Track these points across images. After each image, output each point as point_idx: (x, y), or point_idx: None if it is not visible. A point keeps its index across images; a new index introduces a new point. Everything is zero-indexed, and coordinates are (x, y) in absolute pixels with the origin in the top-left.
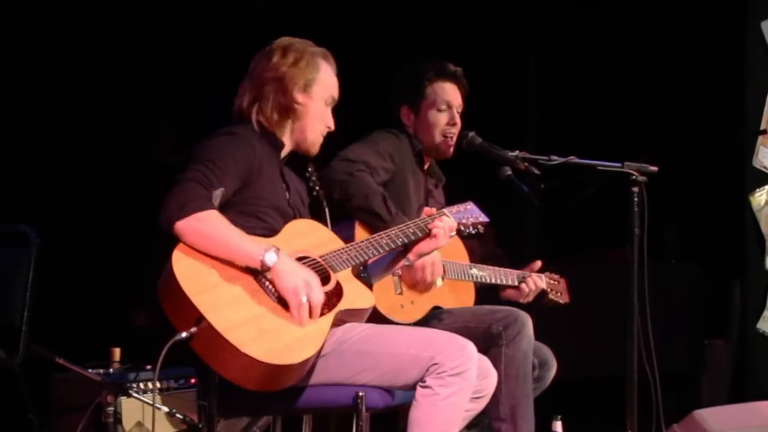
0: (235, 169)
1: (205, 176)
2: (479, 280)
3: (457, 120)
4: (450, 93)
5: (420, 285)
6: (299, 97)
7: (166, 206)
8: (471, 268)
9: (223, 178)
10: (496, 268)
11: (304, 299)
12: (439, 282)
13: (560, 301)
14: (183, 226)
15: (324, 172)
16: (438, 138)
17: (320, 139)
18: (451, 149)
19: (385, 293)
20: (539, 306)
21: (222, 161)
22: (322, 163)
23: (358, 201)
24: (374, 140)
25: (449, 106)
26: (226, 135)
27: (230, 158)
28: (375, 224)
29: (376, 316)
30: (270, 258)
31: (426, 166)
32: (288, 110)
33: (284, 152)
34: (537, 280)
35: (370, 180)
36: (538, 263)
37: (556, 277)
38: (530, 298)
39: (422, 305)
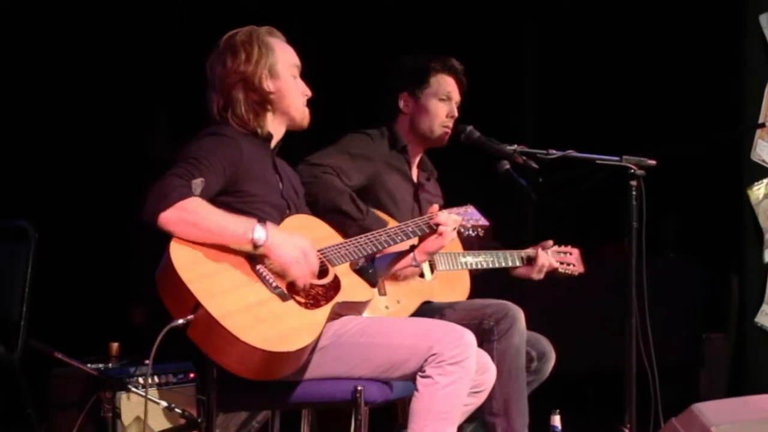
0: (219, 166)
1: (185, 170)
2: (474, 267)
3: (455, 113)
4: (451, 86)
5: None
6: (270, 85)
7: (147, 200)
8: (463, 257)
9: (203, 171)
10: (494, 251)
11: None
12: (428, 276)
13: (574, 273)
14: (167, 216)
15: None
16: (436, 128)
17: (306, 110)
18: (447, 138)
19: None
20: (554, 279)
21: (205, 158)
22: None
23: (324, 203)
24: (345, 143)
25: (449, 98)
26: (211, 135)
27: (214, 156)
28: (345, 224)
29: None
30: (259, 235)
31: (417, 159)
32: (264, 103)
33: (275, 140)
34: (548, 258)
35: (336, 182)
36: (550, 242)
37: (566, 249)
38: (542, 275)
39: (408, 304)
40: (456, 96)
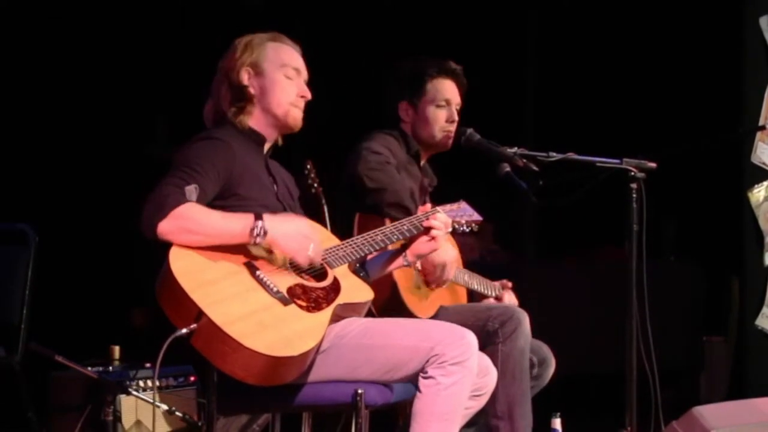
0: (213, 173)
1: (179, 179)
2: (467, 285)
3: (455, 117)
4: (449, 90)
5: (434, 282)
6: (245, 79)
7: (144, 213)
8: (464, 274)
9: (197, 179)
10: (481, 278)
11: (311, 253)
12: None
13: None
14: (165, 226)
15: (349, 164)
16: (437, 134)
17: (295, 112)
18: (450, 142)
19: (409, 288)
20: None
21: (199, 165)
22: (317, 160)
23: (389, 193)
24: (383, 141)
25: (448, 103)
26: (204, 140)
27: (208, 162)
28: (396, 218)
29: (401, 309)
30: (259, 232)
31: (422, 164)
32: (241, 97)
33: (269, 143)
34: (508, 298)
35: (397, 175)
36: (508, 283)
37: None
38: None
39: (433, 304)
40: (455, 99)
